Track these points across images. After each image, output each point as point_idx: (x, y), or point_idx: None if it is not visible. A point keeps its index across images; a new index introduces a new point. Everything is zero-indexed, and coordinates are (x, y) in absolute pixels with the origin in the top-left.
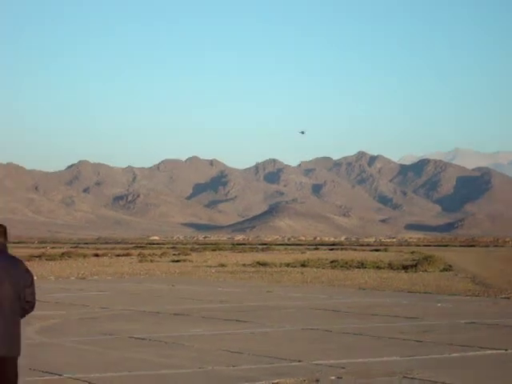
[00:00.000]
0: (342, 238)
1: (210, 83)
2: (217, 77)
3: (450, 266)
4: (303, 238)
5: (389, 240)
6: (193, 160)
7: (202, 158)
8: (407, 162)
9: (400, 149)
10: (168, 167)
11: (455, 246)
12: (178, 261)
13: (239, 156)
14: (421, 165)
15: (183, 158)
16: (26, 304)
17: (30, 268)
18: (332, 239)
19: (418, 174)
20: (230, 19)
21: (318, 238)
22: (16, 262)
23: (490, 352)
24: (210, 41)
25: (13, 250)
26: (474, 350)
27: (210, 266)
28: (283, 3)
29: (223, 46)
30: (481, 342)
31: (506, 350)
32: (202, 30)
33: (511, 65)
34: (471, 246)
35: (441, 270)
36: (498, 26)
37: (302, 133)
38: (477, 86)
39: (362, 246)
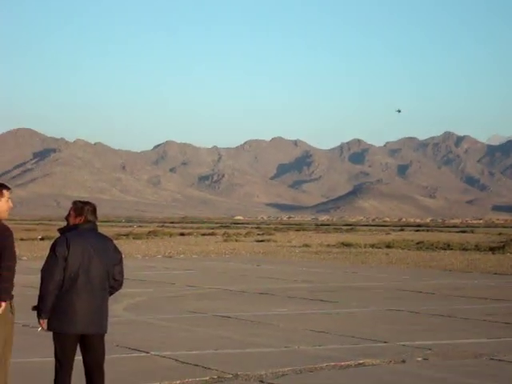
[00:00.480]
0: (428, 220)
1: (292, 65)
2: (300, 57)
3: None
4: (388, 219)
5: (475, 222)
6: (277, 140)
7: (286, 138)
8: (495, 143)
9: (488, 129)
10: (252, 147)
11: None
12: (262, 241)
13: (324, 136)
14: (509, 145)
15: (268, 139)
16: (114, 282)
17: (118, 246)
18: (417, 221)
19: (507, 155)
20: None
21: (403, 220)
22: (105, 240)
23: None
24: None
25: (101, 229)
26: None
27: (295, 246)
28: None
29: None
30: None
31: None
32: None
33: None
34: None
35: None
36: None
37: (399, 111)
38: None
39: (448, 227)
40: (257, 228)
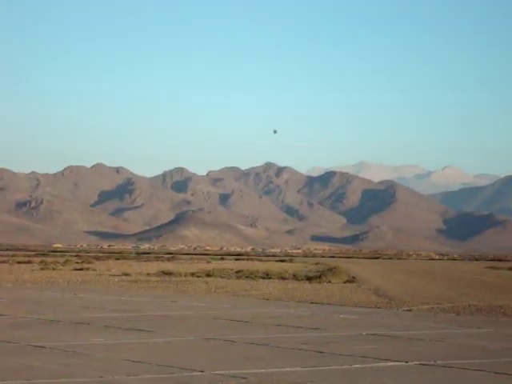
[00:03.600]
0: (249, 249)
1: (117, 90)
2: (124, 84)
3: (354, 277)
4: (209, 248)
5: (294, 251)
6: (98, 167)
7: (108, 164)
8: (314, 174)
9: (307, 160)
10: (73, 173)
11: (359, 257)
12: (81, 269)
13: (146, 164)
14: (327, 177)
15: (89, 165)
16: None
17: None
18: (238, 249)
19: (325, 186)
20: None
21: (225, 248)
22: None
23: (390, 364)
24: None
25: None
26: (374, 362)
27: (114, 275)
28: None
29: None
30: (382, 353)
31: (406, 362)
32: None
33: (419, 81)
34: (375, 258)
35: (344, 282)
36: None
37: (275, 132)
38: (383, 99)
39: (268, 256)
40: (76, 256)
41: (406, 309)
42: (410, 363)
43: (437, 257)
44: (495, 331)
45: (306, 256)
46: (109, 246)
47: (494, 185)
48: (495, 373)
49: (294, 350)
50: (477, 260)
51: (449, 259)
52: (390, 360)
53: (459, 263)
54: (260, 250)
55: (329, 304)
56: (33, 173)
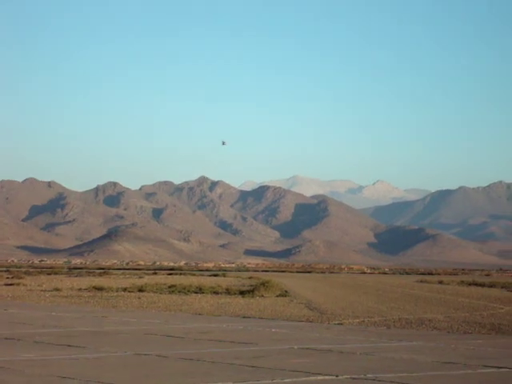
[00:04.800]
0: (182, 263)
1: (48, 103)
2: (55, 98)
3: (286, 291)
4: (142, 263)
5: (228, 265)
6: (30, 181)
7: (39, 179)
8: (247, 188)
9: (241, 175)
10: (4, 188)
11: (292, 271)
12: (11, 284)
13: (79, 178)
14: (261, 191)
15: (20, 179)
16: None
17: None
18: (171, 264)
19: (258, 200)
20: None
21: (158, 263)
22: None
23: (321, 378)
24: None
25: None
26: (305, 376)
27: (45, 290)
28: None
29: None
30: (313, 367)
31: (336, 376)
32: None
33: (351, 96)
34: (308, 272)
35: (277, 296)
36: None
37: (223, 143)
38: (315, 114)
39: (202, 271)
40: (6, 271)
41: (337, 322)
42: (340, 377)
43: (368, 271)
44: (425, 344)
45: (239, 270)
46: (40, 261)
47: (425, 199)
48: None
49: (225, 365)
50: (407, 274)
51: (380, 273)
52: (320, 374)
53: (390, 277)
54: (193, 264)
55: (261, 318)
56: None
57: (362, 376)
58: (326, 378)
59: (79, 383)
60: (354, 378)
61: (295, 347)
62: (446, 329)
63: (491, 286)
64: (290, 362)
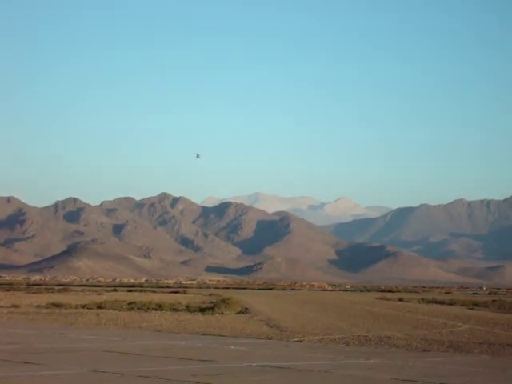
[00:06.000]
0: (143, 280)
1: (8, 118)
2: (16, 112)
3: (247, 308)
4: (102, 280)
5: (189, 282)
6: None
7: None
8: (209, 205)
9: (203, 191)
10: None
11: (253, 288)
12: None
13: (38, 193)
14: (222, 207)
15: None
16: None
17: None
18: (132, 281)
19: (220, 217)
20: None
21: (118, 280)
22: None
23: None
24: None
25: None
26: None
27: (2, 307)
28: None
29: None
30: None
31: None
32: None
33: (312, 113)
34: (269, 289)
35: (237, 313)
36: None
37: (198, 156)
38: (278, 131)
39: (162, 287)
40: None
41: (296, 339)
42: None
43: (329, 288)
44: (383, 362)
45: (200, 287)
46: None
47: (386, 216)
48: None
49: (183, 383)
50: (368, 291)
51: (341, 290)
52: None
53: (351, 294)
54: (154, 281)
55: (220, 335)
56: None
57: None
58: None
59: None
60: None
61: (254, 365)
62: (404, 346)
63: (451, 303)
64: (249, 379)
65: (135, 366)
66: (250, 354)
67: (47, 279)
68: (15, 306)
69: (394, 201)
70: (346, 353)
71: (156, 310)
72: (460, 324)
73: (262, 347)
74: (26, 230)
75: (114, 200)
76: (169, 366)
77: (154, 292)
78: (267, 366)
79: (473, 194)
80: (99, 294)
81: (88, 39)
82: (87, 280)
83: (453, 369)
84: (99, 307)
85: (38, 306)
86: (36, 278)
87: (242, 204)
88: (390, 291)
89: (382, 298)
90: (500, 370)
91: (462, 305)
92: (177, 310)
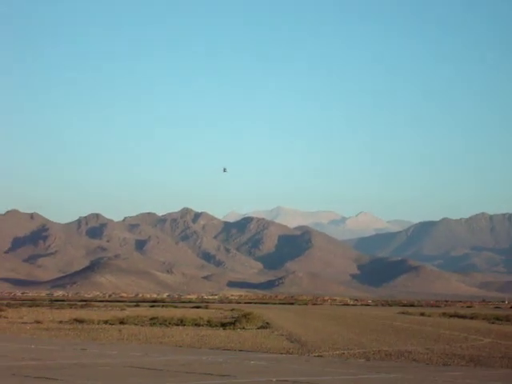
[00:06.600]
0: (165, 295)
1: (29, 134)
2: (37, 128)
3: (268, 323)
4: (125, 295)
5: (211, 297)
6: (12, 213)
7: (21, 210)
8: (231, 220)
9: (224, 206)
10: None
11: (275, 303)
12: None
13: (61, 210)
14: (244, 222)
15: (2, 211)
16: None
17: None
18: (154, 296)
19: (242, 232)
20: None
21: (140, 295)
22: None
23: None
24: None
25: None
26: None
27: (26, 323)
28: None
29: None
30: None
31: None
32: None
33: (332, 128)
34: (291, 303)
35: (258, 328)
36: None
37: (224, 170)
38: (299, 146)
39: (184, 302)
40: None
41: (317, 354)
42: None
43: (351, 302)
44: (403, 376)
45: (222, 302)
46: (22, 293)
47: (407, 231)
48: None
49: None
50: (390, 305)
51: (363, 304)
52: None
53: (372, 309)
54: (176, 296)
55: (241, 350)
56: None
57: None
58: None
59: None
60: None
61: (273, 380)
62: (425, 361)
63: (472, 317)
64: None
65: (156, 381)
66: (270, 368)
67: (70, 295)
68: (38, 322)
69: (416, 215)
70: (367, 368)
71: (178, 325)
72: (481, 338)
73: (283, 362)
74: (49, 245)
75: (136, 215)
76: (189, 382)
77: (176, 307)
78: (287, 380)
79: (494, 208)
80: (121, 310)
81: (109, 54)
82: (110, 295)
83: (473, 383)
84: (121, 322)
85: (60, 322)
86: (59, 293)
87: (263, 219)
88: (411, 305)
89: (403, 313)
90: None
91: (484, 319)
92: (198, 325)
